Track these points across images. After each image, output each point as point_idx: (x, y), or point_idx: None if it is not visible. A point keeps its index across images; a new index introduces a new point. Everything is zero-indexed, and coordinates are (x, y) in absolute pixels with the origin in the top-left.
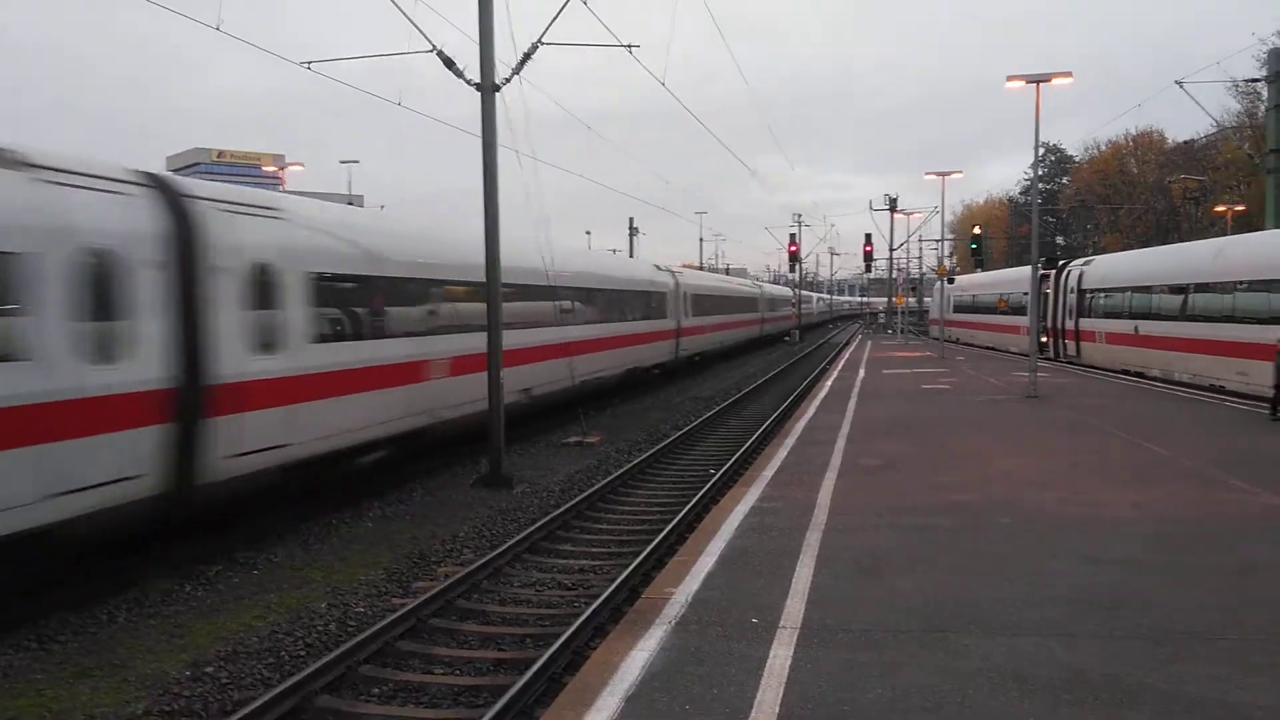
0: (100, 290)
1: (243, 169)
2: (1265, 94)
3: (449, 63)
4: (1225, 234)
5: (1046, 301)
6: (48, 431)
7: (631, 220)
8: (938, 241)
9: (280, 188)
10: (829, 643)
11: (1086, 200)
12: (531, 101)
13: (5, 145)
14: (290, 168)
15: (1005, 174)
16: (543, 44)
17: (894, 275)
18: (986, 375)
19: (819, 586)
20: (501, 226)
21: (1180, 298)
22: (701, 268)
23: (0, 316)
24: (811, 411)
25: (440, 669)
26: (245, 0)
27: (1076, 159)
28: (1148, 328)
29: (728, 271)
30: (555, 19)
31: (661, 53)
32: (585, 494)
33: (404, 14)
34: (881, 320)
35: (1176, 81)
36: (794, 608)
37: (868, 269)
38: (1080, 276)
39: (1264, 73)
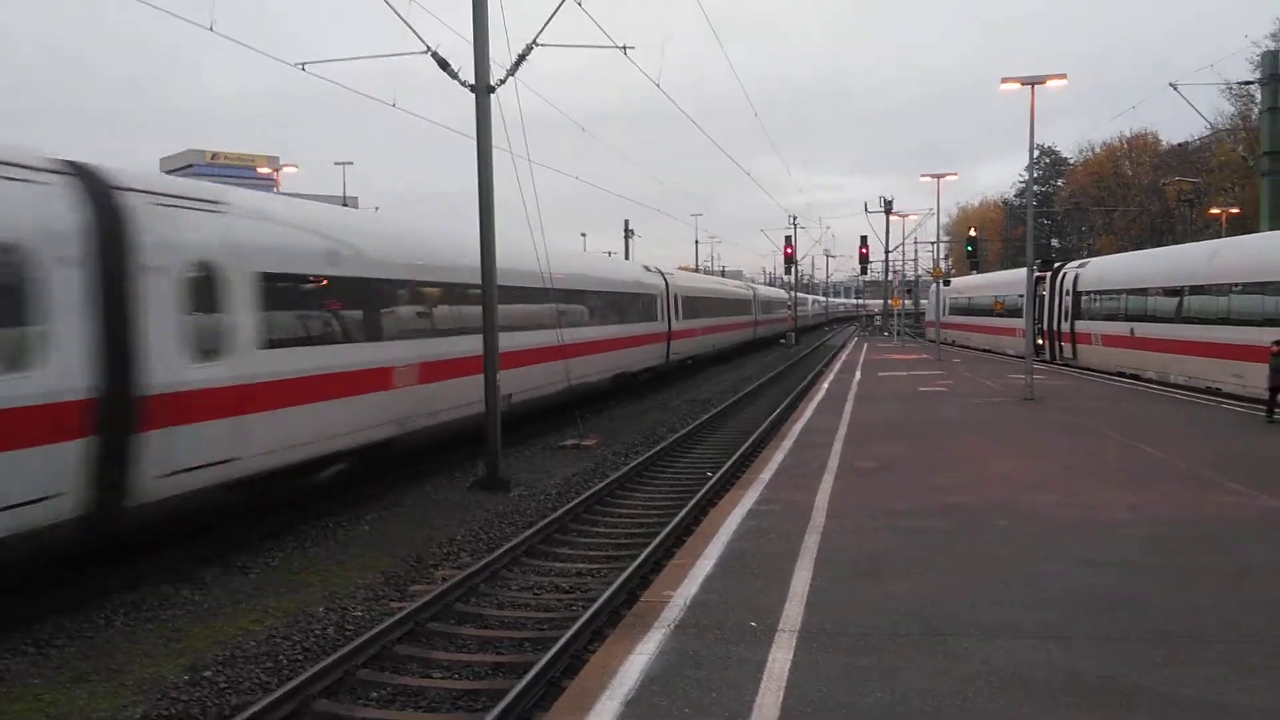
0: (3, 291)
1: (237, 170)
2: (1259, 97)
3: (444, 64)
4: (1220, 236)
5: (1042, 304)
6: None
7: (627, 222)
8: (933, 244)
9: (275, 189)
10: (828, 646)
11: (1081, 202)
12: (526, 103)
13: None
14: (285, 169)
15: (1000, 176)
16: (538, 45)
17: (890, 277)
18: (982, 377)
19: (817, 589)
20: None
21: (1175, 300)
22: (697, 270)
23: None
24: (808, 414)
25: (438, 673)
26: (239, 1)
27: (1071, 161)
28: (1143, 330)
29: (723, 273)
30: (550, 20)
31: (657, 53)
32: (582, 497)
33: (398, 15)
34: (877, 323)
35: (1171, 84)
36: (793, 611)
37: (863, 271)
38: (1075, 279)
39: (1258, 75)
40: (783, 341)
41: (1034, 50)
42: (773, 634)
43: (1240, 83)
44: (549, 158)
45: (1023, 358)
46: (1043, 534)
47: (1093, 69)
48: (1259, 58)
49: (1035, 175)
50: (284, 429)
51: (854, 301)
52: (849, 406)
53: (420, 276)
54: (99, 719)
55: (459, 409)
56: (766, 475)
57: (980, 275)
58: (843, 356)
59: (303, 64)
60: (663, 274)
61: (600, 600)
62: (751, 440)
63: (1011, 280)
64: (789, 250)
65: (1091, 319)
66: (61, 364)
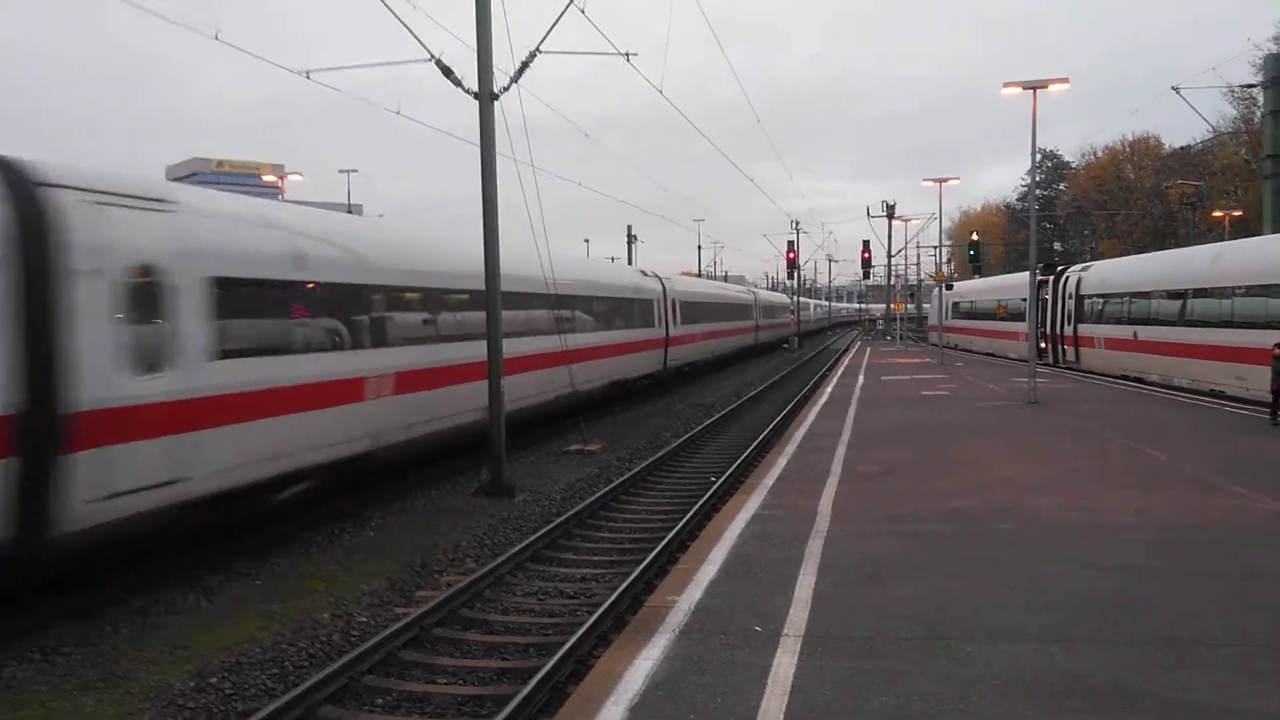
0: None
1: (242, 178)
2: (1261, 100)
3: (447, 72)
4: (1222, 239)
5: (1045, 307)
6: None
7: (630, 228)
8: (935, 248)
9: (280, 197)
10: (832, 650)
11: (1083, 206)
12: (530, 109)
13: None
14: (290, 177)
15: (1002, 180)
16: (541, 52)
17: (892, 282)
18: (986, 381)
19: (821, 594)
20: (461, 231)
21: (1178, 303)
22: (700, 274)
23: None
24: (812, 418)
25: (443, 679)
26: (244, 10)
27: (1073, 165)
28: (1146, 333)
29: (726, 278)
30: (553, 27)
31: (659, 59)
32: (587, 502)
33: (403, 23)
34: (880, 327)
35: (1173, 87)
36: (797, 615)
37: (866, 275)
38: (1078, 282)
39: (1260, 78)
40: (785, 346)
41: (1035, 52)
42: (777, 639)
43: (1242, 86)
44: (552, 164)
45: (1025, 361)
46: (1046, 538)
47: (1094, 72)
48: (1261, 60)
49: (1037, 179)
50: (242, 446)
51: (856, 306)
52: (852, 411)
53: (395, 281)
54: None
55: (442, 420)
56: (770, 480)
57: (983, 279)
58: (845, 361)
59: (307, 72)
60: (660, 278)
61: (605, 605)
62: (755, 445)
63: (1014, 284)
64: (791, 255)
65: (1094, 322)
66: None
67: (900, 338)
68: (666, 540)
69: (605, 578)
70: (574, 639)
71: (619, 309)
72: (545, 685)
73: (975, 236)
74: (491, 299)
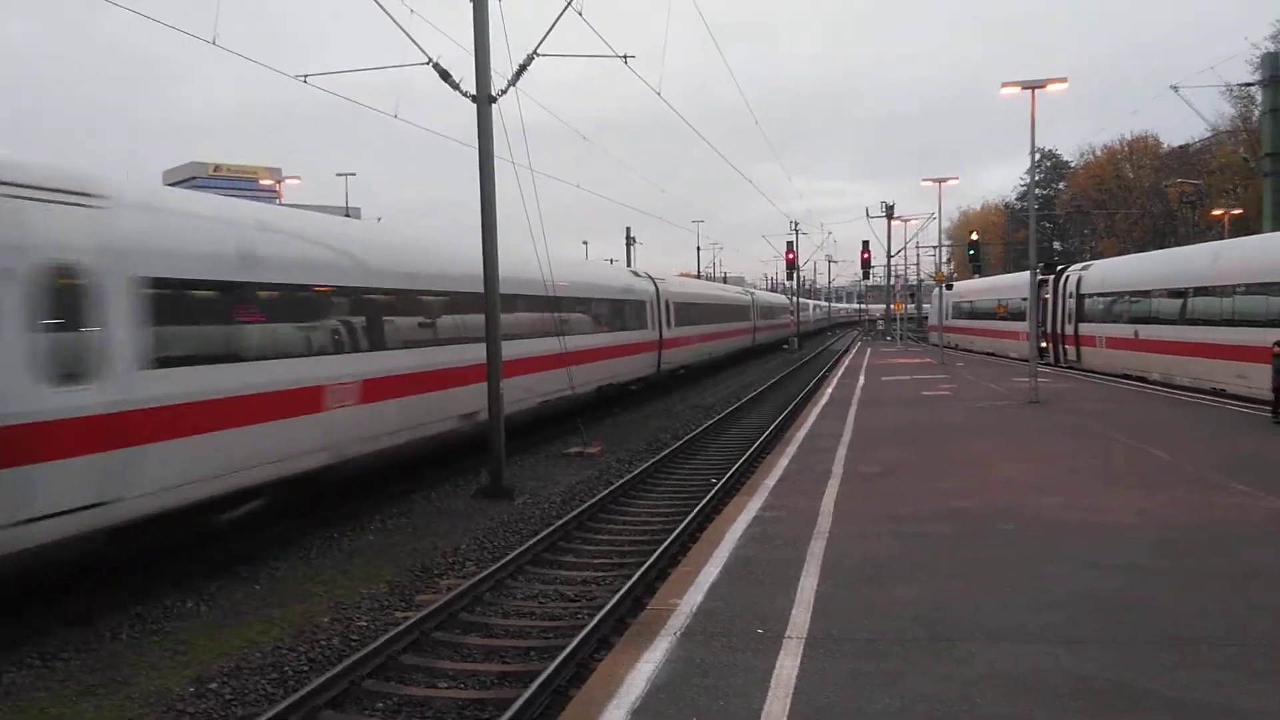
0: None
1: (240, 182)
2: (1260, 98)
3: (445, 75)
4: (1222, 238)
5: (1045, 307)
6: None
7: (629, 230)
8: (935, 248)
9: (277, 201)
10: (835, 652)
11: (1083, 205)
12: (528, 112)
13: None
14: (287, 181)
15: (1001, 180)
16: (538, 55)
17: (892, 282)
18: (986, 381)
19: (823, 595)
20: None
21: (1179, 302)
22: (699, 276)
23: None
24: (812, 419)
25: (444, 682)
26: (242, 11)
27: (1072, 164)
28: (1147, 332)
29: (725, 279)
30: (551, 30)
31: (657, 61)
32: (587, 504)
33: (400, 27)
34: (880, 327)
35: (1172, 86)
36: (799, 617)
37: (865, 276)
38: (1079, 281)
39: (1258, 77)
40: (785, 347)
41: (1035, 52)
42: (779, 641)
43: (1241, 84)
44: (551, 167)
45: (1026, 361)
46: (1048, 537)
47: (1094, 72)
48: (1259, 59)
49: (1037, 179)
50: (181, 462)
51: (856, 306)
52: (852, 411)
53: (358, 282)
54: None
55: (414, 430)
56: (771, 481)
57: (983, 279)
58: (846, 361)
59: (304, 76)
60: (653, 279)
61: (606, 608)
62: (755, 446)
63: (1014, 283)
64: (791, 255)
65: (1095, 321)
66: None
67: (900, 338)
68: (667, 543)
69: (606, 580)
70: (575, 642)
71: (609, 310)
72: (547, 688)
73: (975, 236)
74: (490, 300)
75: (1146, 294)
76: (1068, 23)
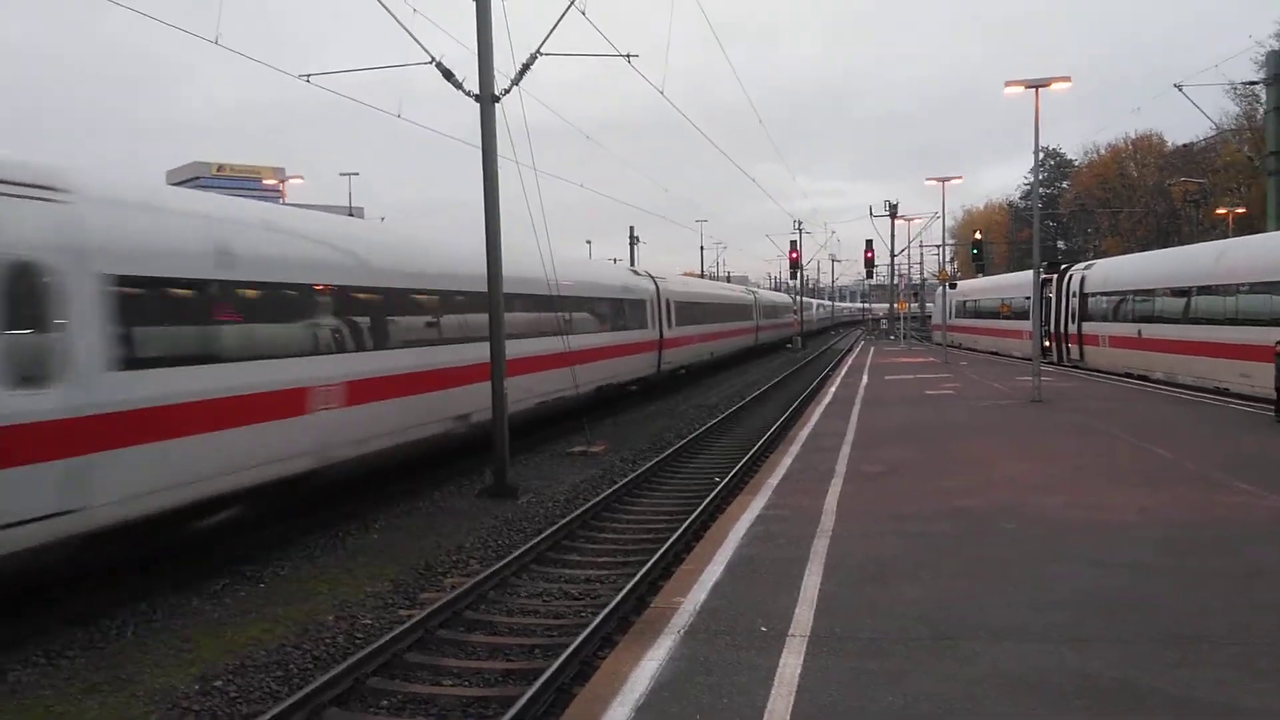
0: None
1: (243, 182)
2: (1264, 97)
3: (448, 74)
4: (1226, 236)
5: (1048, 306)
6: None
7: (632, 229)
8: (939, 247)
9: (281, 201)
10: (838, 650)
11: (1086, 204)
12: (531, 112)
13: None
14: (290, 181)
15: (1005, 178)
16: (541, 54)
17: (895, 281)
18: (990, 380)
19: (827, 594)
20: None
21: (1183, 301)
22: (703, 275)
23: None
24: (816, 418)
25: (449, 680)
26: (242, 13)
27: (1076, 163)
28: (1151, 331)
29: (729, 278)
30: (554, 29)
31: (660, 61)
32: (591, 503)
33: (403, 26)
34: (884, 326)
35: (1175, 85)
36: (803, 615)
37: (869, 275)
38: (1082, 280)
39: (1262, 75)
40: (789, 346)
41: (1035, 52)
42: (783, 639)
43: (1245, 83)
44: (554, 166)
45: (1029, 360)
46: (1051, 536)
47: (1095, 72)
48: (1263, 58)
49: (1040, 177)
50: (152, 468)
51: (859, 305)
52: (856, 410)
53: (343, 280)
54: None
55: (403, 433)
56: (774, 480)
57: (986, 278)
58: (849, 360)
59: (307, 75)
60: (654, 278)
61: (609, 607)
62: (759, 445)
63: (1017, 283)
64: (794, 255)
65: (1098, 320)
66: None
67: (904, 337)
68: (671, 541)
69: (610, 579)
70: (579, 640)
71: (607, 310)
72: (551, 686)
73: (978, 235)
74: (494, 300)
75: (1150, 293)
76: (1068, 22)
